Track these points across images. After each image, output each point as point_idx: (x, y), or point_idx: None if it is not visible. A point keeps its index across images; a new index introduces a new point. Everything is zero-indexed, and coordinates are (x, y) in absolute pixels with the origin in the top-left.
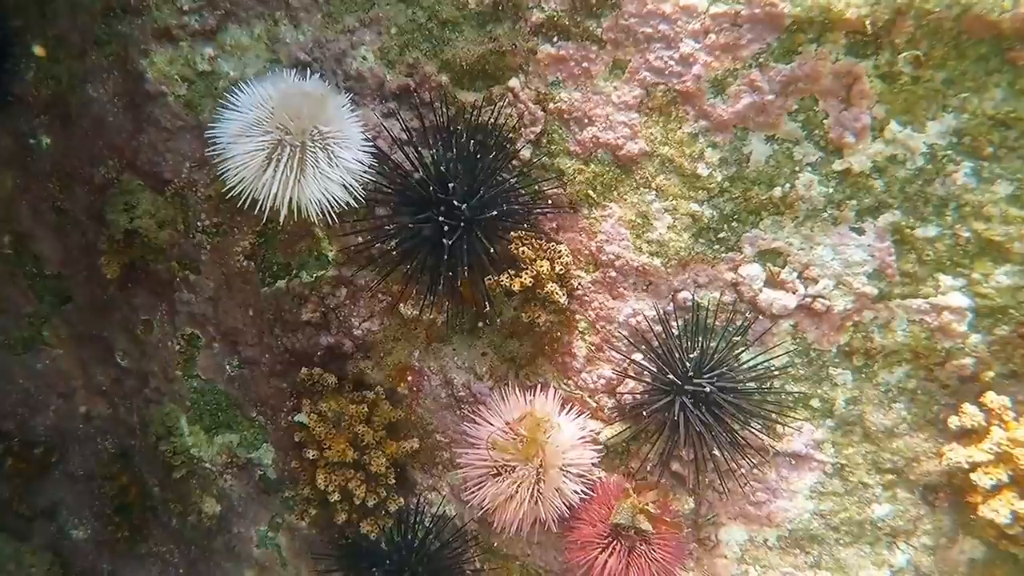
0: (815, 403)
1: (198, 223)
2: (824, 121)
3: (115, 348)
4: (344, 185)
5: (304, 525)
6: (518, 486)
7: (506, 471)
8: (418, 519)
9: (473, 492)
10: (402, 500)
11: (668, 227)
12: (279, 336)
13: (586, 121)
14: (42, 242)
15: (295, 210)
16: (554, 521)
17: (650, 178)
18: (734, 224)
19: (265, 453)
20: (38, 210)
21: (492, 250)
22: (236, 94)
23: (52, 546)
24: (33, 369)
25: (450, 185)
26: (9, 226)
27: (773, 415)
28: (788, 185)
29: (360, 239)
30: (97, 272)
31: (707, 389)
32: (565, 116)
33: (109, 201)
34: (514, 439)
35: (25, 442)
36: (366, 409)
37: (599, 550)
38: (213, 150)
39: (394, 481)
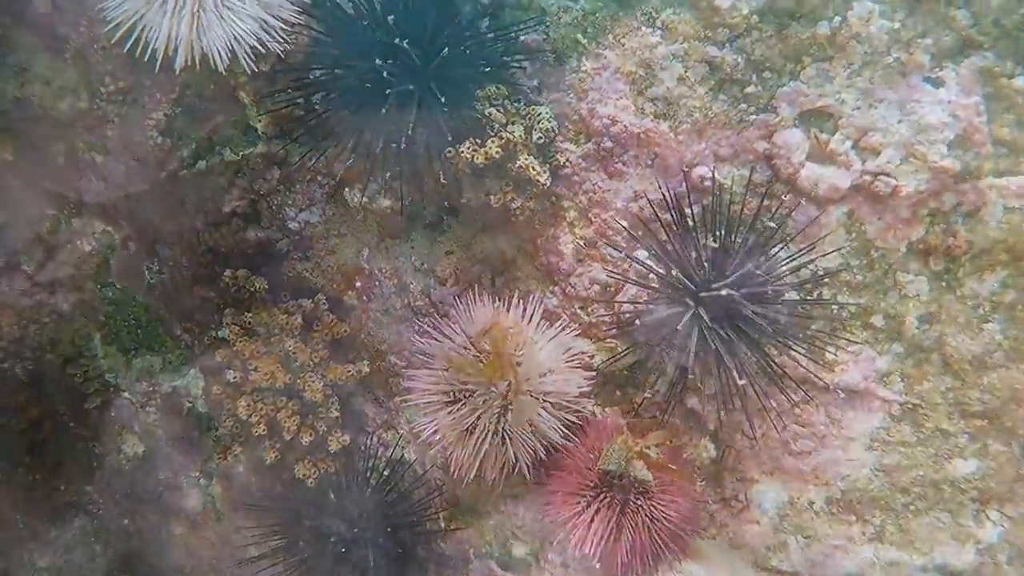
0: (878, 321)
1: (101, 89)
2: None
3: (17, 249)
4: (259, 24)
5: (241, 471)
6: (478, 416)
7: (465, 396)
8: (370, 463)
9: (425, 425)
10: (348, 438)
11: (678, 79)
12: (200, 232)
13: None
14: None
15: (196, 59)
16: (528, 466)
17: (654, 13)
18: (766, 75)
19: (193, 381)
20: None
21: (448, 110)
22: None
23: None
24: None
25: (390, 18)
26: None
27: (821, 336)
28: (838, 18)
29: (286, 102)
30: None
31: (727, 295)
32: None
33: None
34: (475, 356)
35: None
36: (301, 321)
37: (583, 505)
38: None
39: (337, 414)
